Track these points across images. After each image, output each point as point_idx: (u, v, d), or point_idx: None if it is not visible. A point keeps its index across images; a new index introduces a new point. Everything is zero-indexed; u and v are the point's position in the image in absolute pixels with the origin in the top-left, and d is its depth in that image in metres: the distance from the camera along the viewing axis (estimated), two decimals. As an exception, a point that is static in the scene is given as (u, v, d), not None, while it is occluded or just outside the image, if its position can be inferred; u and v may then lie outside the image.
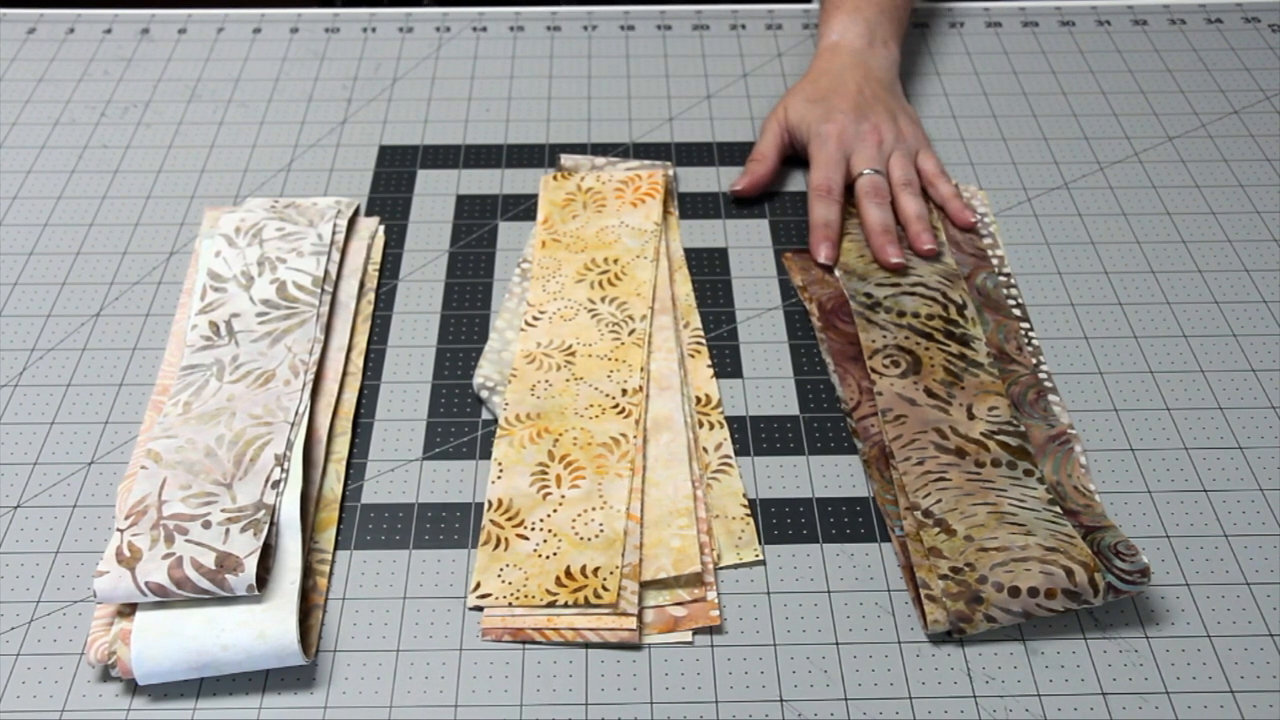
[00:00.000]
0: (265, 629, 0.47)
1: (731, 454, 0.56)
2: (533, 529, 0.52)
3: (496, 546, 0.52)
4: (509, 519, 0.53)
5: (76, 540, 0.53)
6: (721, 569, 0.52)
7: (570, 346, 0.60)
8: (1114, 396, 0.59)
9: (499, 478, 0.55)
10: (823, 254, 0.64)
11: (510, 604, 0.50)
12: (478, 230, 0.69)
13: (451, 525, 0.54)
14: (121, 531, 0.49)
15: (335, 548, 0.53)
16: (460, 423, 0.58)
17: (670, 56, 0.82)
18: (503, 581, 0.51)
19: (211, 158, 0.74)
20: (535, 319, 0.62)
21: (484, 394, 0.59)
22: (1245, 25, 0.85)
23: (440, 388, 0.60)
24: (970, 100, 0.78)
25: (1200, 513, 0.54)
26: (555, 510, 0.53)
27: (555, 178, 0.70)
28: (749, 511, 0.54)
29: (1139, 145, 0.75)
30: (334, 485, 0.55)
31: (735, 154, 0.74)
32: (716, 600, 0.50)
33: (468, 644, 0.49)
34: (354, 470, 0.56)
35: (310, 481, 0.54)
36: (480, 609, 0.50)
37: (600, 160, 0.72)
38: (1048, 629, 0.50)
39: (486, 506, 0.54)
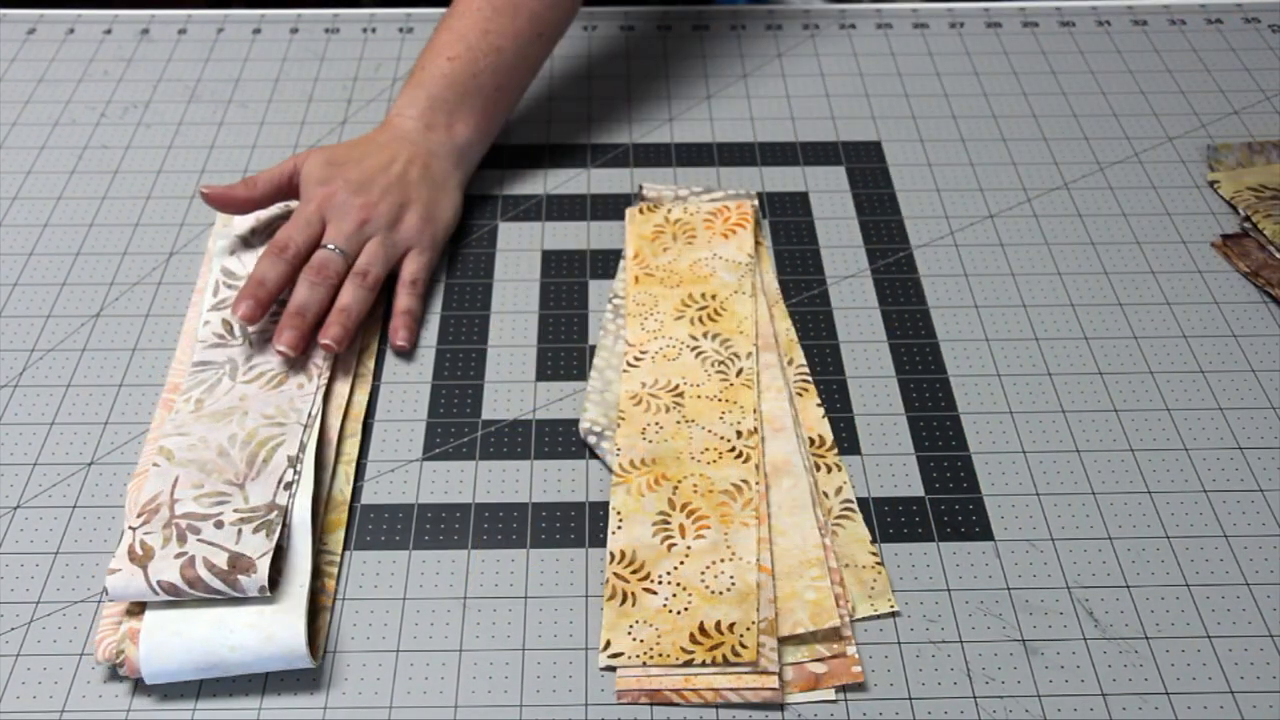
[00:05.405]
0: (274, 632, 0.47)
1: (853, 498, 0.54)
2: (660, 582, 0.50)
3: (623, 601, 0.50)
4: (633, 572, 0.51)
5: (76, 540, 0.53)
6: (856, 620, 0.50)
7: (677, 386, 0.58)
8: (1114, 397, 0.59)
9: (619, 529, 0.52)
10: (241, 310, 0.57)
11: (644, 663, 0.48)
12: (478, 230, 0.69)
13: (451, 526, 0.54)
14: (134, 529, 0.50)
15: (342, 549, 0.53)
16: (460, 423, 0.58)
17: (670, 56, 0.82)
18: (634, 639, 0.48)
19: (211, 158, 0.74)
20: (638, 358, 0.60)
21: (591, 439, 0.56)
22: (1245, 25, 0.85)
23: (440, 388, 0.60)
24: (970, 100, 0.78)
25: (1200, 513, 0.54)
26: (682, 562, 0.51)
27: (641, 210, 0.68)
28: (879, 560, 0.52)
29: (1139, 146, 0.75)
30: (343, 487, 0.55)
31: (736, 154, 0.74)
32: (856, 655, 0.49)
33: (468, 644, 0.49)
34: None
35: (320, 483, 0.54)
36: (613, 669, 0.48)
37: (683, 190, 0.70)
38: (1047, 629, 0.50)
39: (609, 559, 0.51)
